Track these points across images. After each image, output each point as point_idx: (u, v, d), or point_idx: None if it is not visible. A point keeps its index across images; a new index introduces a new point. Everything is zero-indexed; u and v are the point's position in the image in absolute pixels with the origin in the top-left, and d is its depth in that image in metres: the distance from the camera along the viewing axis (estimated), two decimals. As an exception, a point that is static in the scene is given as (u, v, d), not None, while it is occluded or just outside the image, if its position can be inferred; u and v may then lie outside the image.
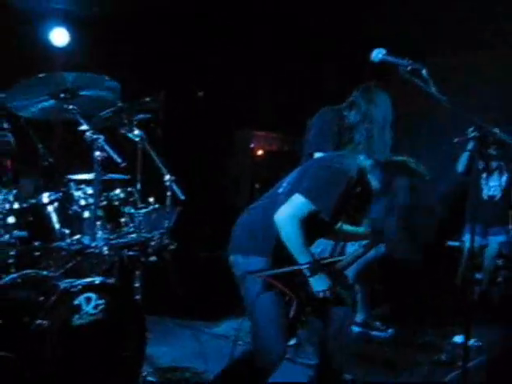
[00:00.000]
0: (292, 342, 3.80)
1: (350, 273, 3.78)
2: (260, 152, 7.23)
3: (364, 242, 2.91)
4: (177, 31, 6.06)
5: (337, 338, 2.99)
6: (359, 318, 4.77)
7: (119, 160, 3.39)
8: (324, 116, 3.70)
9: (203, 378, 3.66)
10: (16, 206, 3.30)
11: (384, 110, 2.87)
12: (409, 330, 4.79)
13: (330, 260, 2.87)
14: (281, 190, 2.90)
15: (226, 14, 5.97)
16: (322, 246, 3.37)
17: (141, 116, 3.90)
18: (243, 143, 7.21)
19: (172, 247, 3.82)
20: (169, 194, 3.85)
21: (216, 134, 6.72)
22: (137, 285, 3.73)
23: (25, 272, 3.15)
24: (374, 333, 4.76)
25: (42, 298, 2.95)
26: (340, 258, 2.90)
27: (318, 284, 2.74)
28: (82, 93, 3.45)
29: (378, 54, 2.69)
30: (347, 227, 3.24)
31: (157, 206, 3.84)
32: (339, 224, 2.99)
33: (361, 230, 3.70)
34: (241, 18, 6.00)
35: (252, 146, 7.19)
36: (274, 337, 2.79)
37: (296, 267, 2.72)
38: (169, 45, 6.04)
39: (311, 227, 2.75)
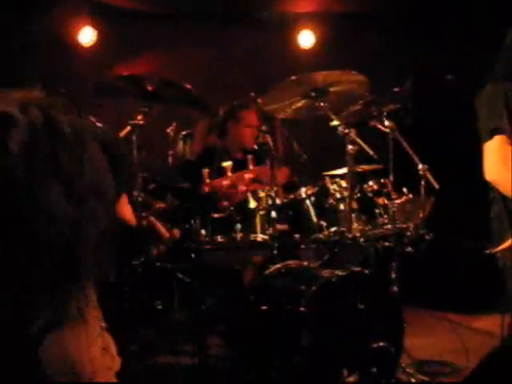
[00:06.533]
0: None
1: None
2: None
3: None
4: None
5: None
6: None
7: (371, 152, 3.44)
8: None
9: (463, 375, 3.46)
10: (277, 201, 3.56)
11: None
12: None
13: None
14: None
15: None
16: None
17: (390, 106, 3.90)
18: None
19: (428, 237, 3.74)
20: (422, 183, 3.78)
21: (469, 119, 6.34)
22: (393, 276, 3.74)
23: (287, 262, 3.40)
24: None
25: (303, 287, 3.12)
26: None
27: None
28: (331, 89, 3.58)
29: None
30: None
31: (411, 196, 3.79)
32: None
33: None
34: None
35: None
36: None
37: None
38: (415, 30, 5.91)
39: None
